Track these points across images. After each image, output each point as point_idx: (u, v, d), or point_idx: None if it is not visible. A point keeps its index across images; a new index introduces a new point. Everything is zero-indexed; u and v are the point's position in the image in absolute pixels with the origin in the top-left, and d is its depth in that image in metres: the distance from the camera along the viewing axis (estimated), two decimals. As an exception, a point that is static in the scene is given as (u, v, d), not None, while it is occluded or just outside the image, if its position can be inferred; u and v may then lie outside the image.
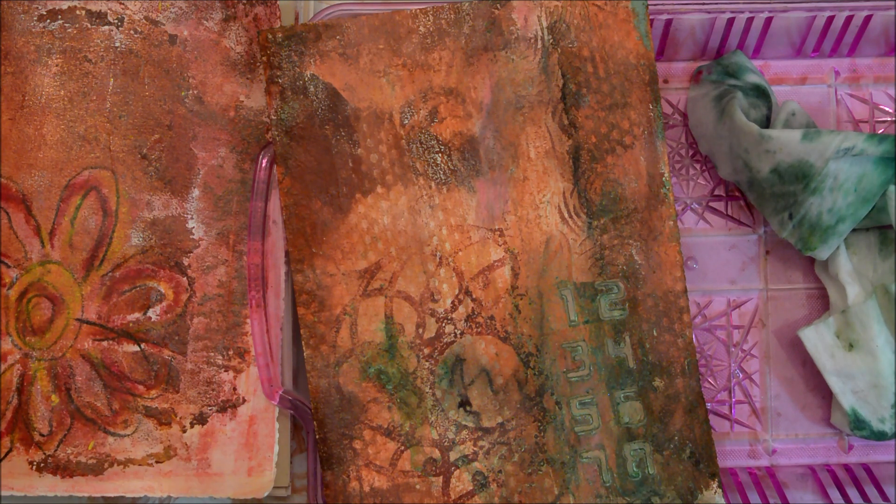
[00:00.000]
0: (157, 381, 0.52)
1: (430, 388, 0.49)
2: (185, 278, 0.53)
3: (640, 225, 0.50)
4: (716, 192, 0.56)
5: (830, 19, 0.53)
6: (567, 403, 0.50)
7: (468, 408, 0.50)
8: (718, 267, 0.55)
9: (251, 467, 0.52)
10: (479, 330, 0.50)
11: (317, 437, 0.49)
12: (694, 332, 0.55)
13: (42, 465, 0.52)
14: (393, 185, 0.49)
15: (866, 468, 0.54)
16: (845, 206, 0.50)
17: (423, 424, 0.49)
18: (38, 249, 0.53)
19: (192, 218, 0.53)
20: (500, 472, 0.49)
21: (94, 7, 0.53)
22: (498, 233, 0.50)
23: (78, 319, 0.52)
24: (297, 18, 0.55)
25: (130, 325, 0.52)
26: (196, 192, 0.53)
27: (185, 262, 0.53)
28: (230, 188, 0.53)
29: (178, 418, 0.52)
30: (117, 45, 0.53)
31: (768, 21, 0.53)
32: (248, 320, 0.52)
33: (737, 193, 0.56)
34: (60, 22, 0.53)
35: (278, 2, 0.53)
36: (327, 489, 0.49)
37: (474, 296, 0.50)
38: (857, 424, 0.52)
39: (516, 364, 0.50)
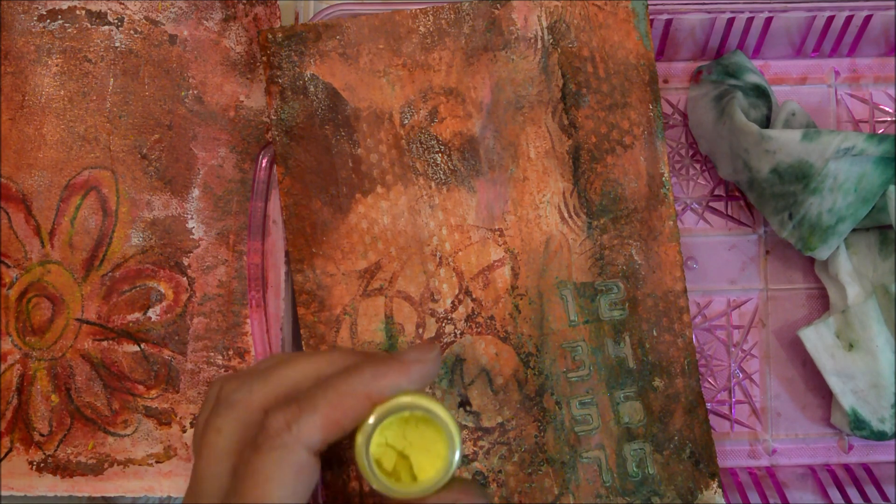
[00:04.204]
0: (157, 381, 0.52)
1: (430, 388, 0.49)
2: (185, 278, 0.53)
3: (640, 225, 0.50)
4: (716, 192, 0.56)
5: (830, 19, 0.53)
6: (567, 403, 0.50)
7: (468, 408, 0.50)
8: (718, 267, 0.55)
9: (251, 467, 0.52)
10: (479, 330, 0.50)
11: (317, 437, 0.49)
12: (694, 332, 0.55)
13: (42, 465, 0.52)
14: (393, 185, 0.49)
15: (866, 468, 0.54)
16: (845, 206, 0.50)
17: (423, 424, 0.49)
18: (38, 249, 0.53)
19: (192, 218, 0.53)
20: (499, 472, 0.49)
21: (94, 7, 0.53)
22: (498, 233, 0.50)
23: (78, 319, 0.52)
24: (297, 18, 0.55)
25: (130, 325, 0.52)
26: (196, 192, 0.53)
27: (185, 262, 0.53)
28: (230, 188, 0.53)
29: (178, 418, 0.52)
30: (117, 45, 0.53)
31: (768, 21, 0.52)
32: (248, 320, 0.52)
33: (737, 193, 0.56)
34: (60, 22, 0.53)
35: (278, 2, 0.53)
36: (327, 489, 0.49)
37: (474, 296, 0.50)
38: (857, 424, 0.52)
39: (516, 364, 0.50)
